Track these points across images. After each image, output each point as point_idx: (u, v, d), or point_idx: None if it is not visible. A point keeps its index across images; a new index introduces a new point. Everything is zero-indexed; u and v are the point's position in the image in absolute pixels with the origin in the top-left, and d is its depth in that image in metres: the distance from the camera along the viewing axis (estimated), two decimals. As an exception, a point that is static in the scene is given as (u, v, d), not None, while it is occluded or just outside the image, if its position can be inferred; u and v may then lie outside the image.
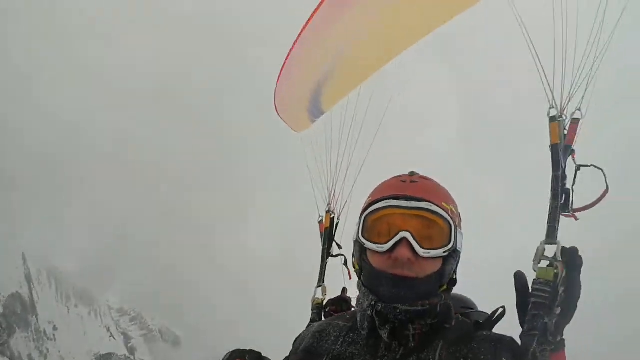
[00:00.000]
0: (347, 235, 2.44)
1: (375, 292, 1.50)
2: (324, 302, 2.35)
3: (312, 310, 2.32)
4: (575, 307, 1.47)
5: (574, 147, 1.73)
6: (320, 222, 2.50)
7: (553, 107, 1.73)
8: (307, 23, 2.48)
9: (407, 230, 1.47)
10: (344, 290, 2.37)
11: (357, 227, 1.59)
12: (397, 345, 1.48)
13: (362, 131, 2.44)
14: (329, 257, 2.41)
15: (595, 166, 1.71)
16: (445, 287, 1.56)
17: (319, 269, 2.38)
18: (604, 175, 1.70)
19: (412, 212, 1.50)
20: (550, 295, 1.46)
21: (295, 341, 1.76)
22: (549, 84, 1.75)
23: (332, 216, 2.46)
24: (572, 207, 1.69)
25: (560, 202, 1.65)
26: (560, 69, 1.75)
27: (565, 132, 1.72)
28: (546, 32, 1.86)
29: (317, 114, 2.97)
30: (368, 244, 1.53)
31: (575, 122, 1.73)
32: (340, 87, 2.78)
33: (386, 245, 1.48)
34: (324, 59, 2.70)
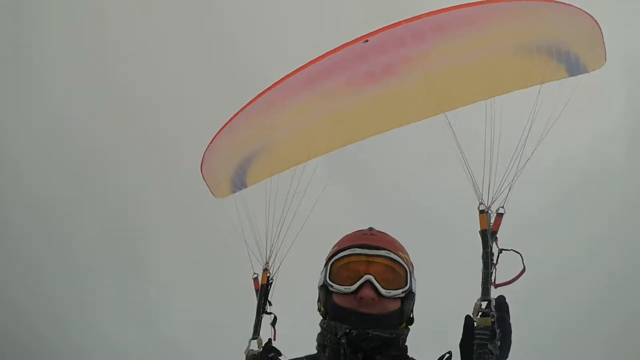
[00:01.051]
0: (277, 295, 2.59)
1: (347, 323, 1.68)
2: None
3: None
4: (510, 340, 1.73)
5: (497, 235, 2.09)
6: (255, 279, 2.61)
7: (482, 204, 2.13)
8: (254, 99, 2.60)
9: (370, 274, 1.71)
10: (270, 340, 2.40)
11: (324, 273, 1.81)
12: None
13: (304, 200, 2.65)
14: (263, 314, 2.50)
15: (514, 250, 2.06)
16: (404, 325, 1.80)
17: (254, 323, 2.47)
18: (522, 258, 2.04)
19: (374, 259, 1.75)
20: (489, 336, 1.71)
21: None
22: (478, 187, 2.17)
23: (268, 275, 2.57)
24: (494, 281, 1.99)
25: (491, 270, 1.98)
26: (486, 177, 2.19)
27: (492, 223, 2.09)
28: (476, 147, 2.28)
29: (240, 186, 2.99)
30: (336, 287, 1.74)
31: (500, 216, 2.11)
32: (269, 168, 2.84)
33: (353, 286, 1.71)
34: (260, 136, 2.78)
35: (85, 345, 9.28)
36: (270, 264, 2.60)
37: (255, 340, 2.40)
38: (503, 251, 2.06)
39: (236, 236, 2.77)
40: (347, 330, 1.67)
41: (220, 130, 2.81)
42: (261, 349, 2.34)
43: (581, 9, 2.45)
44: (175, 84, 9.73)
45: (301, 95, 2.53)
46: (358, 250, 1.77)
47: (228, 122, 2.75)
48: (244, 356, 2.37)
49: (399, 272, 1.77)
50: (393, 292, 1.73)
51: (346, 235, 1.91)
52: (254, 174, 2.90)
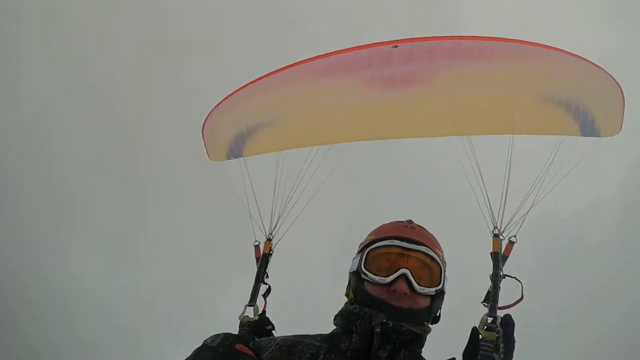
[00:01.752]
0: (273, 267, 2.58)
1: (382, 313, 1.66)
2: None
3: (242, 327, 2.27)
4: (512, 354, 1.73)
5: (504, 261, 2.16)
6: (256, 246, 2.59)
7: (496, 228, 2.21)
8: (275, 72, 2.59)
9: (406, 268, 1.71)
10: (264, 312, 2.41)
11: (359, 260, 1.79)
12: None
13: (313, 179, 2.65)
14: (262, 283, 2.48)
15: (516, 278, 2.11)
16: (430, 322, 1.81)
17: (251, 290, 2.44)
18: (522, 286, 2.10)
19: (412, 253, 1.75)
20: (493, 348, 1.72)
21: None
22: (494, 213, 2.26)
23: (270, 245, 2.56)
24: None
25: (499, 290, 2.02)
26: (503, 204, 2.28)
27: (503, 248, 2.16)
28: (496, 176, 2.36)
29: (236, 154, 2.98)
30: (370, 276, 1.73)
31: (511, 243, 2.19)
32: (270, 143, 2.84)
33: (388, 278, 1.70)
34: (268, 110, 2.78)
35: (63, 290, 9.18)
36: (274, 234, 2.59)
37: (252, 308, 2.37)
38: (506, 277, 2.11)
39: (238, 202, 2.75)
40: (384, 320, 1.66)
41: (231, 94, 2.79)
42: (256, 317, 2.32)
43: (610, 75, 2.48)
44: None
45: (319, 81, 2.53)
46: (397, 242, 1.77)
47: (241, 88, 2.74)
48: (239, 321, 2.32)
49: (434, 269, 1.78)
50: (426, 290, 1.73)
51: (384, 225, 1.90)
52: (253, 145, 2.90)
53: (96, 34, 9.65)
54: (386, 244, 1.77)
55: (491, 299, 1.99)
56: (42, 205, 9.36)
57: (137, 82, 9.31)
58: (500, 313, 1.98)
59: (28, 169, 9.42)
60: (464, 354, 1.80)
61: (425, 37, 2.35)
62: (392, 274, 1.70)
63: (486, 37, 2.39)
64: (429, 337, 1.86)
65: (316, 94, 2.60)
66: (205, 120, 3.00)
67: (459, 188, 2.46)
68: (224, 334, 1.76)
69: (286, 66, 2.54)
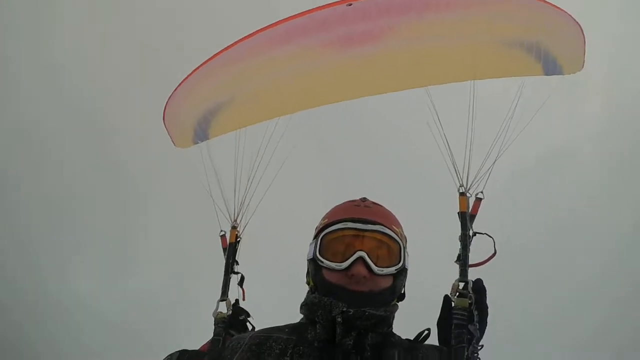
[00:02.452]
0: (245, 253, 2.50)
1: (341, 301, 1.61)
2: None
3: (217, 324, 2.18)
4: (486, 321, 1.75)
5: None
6: (222, 236, 2.51)
7: (462, 186, 2.17)
8: (228, 47, 2.50)
9: (363, 250, 1.64)
10: (237, 301, 2.34)
11: (314, 247, 1.72)
12: (355, 356, 1.58)
13: (275, 155, 2.59)
14: (232, 273, 2.40)
15: (487, 234, 2.09)
16: (395, 301, 1.78)
17: (222, 284, 2.36)
18: (494, 242, 2.07)
19: (367, 234, 1.68)
20: (467, 317, 1.73)
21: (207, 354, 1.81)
22: (457, 170, 2.22)
23: (236, 233, 2.47)
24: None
25: (469, 252, 2.01)
26: (467, 159, 2.24)
27: (470, 206, 2.13)
28: (458, 130, 2.30)
29: (202, 137, 2.89)
30: (326, 263, 1.67)
31: (478, 200, 2.16)
32: (234, 121, 2.76)
33: (344, 263, 1.64)
34: (228, 87, 2.69)
35: (63, 300, 9.07)
36: (238, 221, 2.52)
37: (224, 302, 2.30)
38: (476, 234, 2.09)
39: (203, 190, 2.68)
40: (344, 309, 1.60)
41: (187, 77, 2.69)
42: (230, 312, 2.25)
43: (567, 13, 2.48)
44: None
45: (276, 50, 2.44)
46: (350, 224, 1.70)
47: (196, 69, 2.64)
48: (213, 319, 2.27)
49: (392, 247, 1.72)
50: (386, 270, 1.68)
51: (337, 206, 1.83)
52: (218, 125, 2.81)
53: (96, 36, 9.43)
54: (339, 227, 1.71)
55: (461, 262, 1.96)
56: (40, 212, 9.23)
57: (132, 86, 9.09)
58: (474, 272, 1.99)
59: (27, 174, 9.26)
60: (437, 324, 1.81)
61: (380, -8, 2.29)
62: (348, 258, 1.64)
63: None
64: (402, 312, 1.84)
65: (273, 64, 2.52)
66: (165, 108, 2.90)
67: (426, 148, 2.42)
68: (179, 351, 1.79)
69: (239, 39, 2.45)
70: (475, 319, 1.73)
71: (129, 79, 9.10)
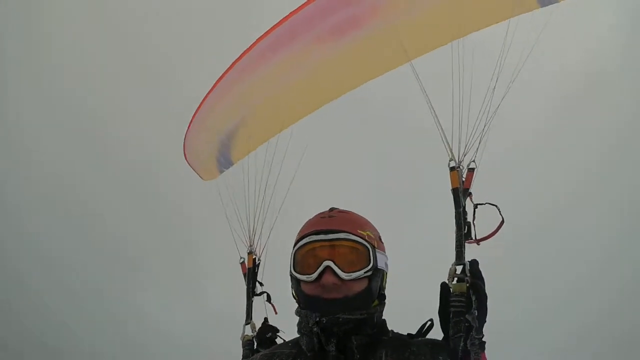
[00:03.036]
0: (268, 273, 2.60)
1: (316, 311, 1.69)
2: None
3: (244, 347, 2.36)
4: (485, 306, 1.70)
5: (472, 190, 2.03)
6: (242, 263, 2.61)
7: (452, 160, 2.05)
8: (225, 72, 2.53)
9: (329, 259, 1.69)
10: (266, 319, 2.43)
11: (290, 263, 1.79)
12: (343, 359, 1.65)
13: (280, 176, 2.60)
14: (254, 296, 2.50)
15: (490, 203, 2.00)
16: (377, 303, 1.79)
17: (245, 308, 2.48)
18: (498, 209, 1.98)
19: (332, 242, 1.72)
20: (465, 303, 1.71)
21: None
22: (448, 142, 2.08)
23: (254, 257, 2.58)
24: (475, 237, 1.96)
25: (464, 231, 1.93)
26: (457, 129, 2.10)
27: (464, 179, 2.03)
28: (444, 97, 2.18)
29: (226, 164, 2.94)
30: (299, 276, 1.74)
31: (471, 171, 2.04)
32: (252, 140, 2.79)
33: (313, 275, 1.69)
34: (236, 110, 2.72)
35: (130, 325, 9.55)
36: (254, 245, 2.58)
37: (249, 325, 2.41)
38: (479, 206, 2.00)
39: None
40: (317, 319, 1.66)
41: (196, 111, 2.75)
42: (255, 333, 2.36)
43: None
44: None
45: (271, 60, 2.46)
46: (315, 237, 1.74)
47: (203, 100, 2.69)
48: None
49: (361, 251, 1.73)
50: (354, 274, 1.69)
51: (307, 221, 1.88)
52: (238, 149, 2.86)
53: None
54: (306, 241, 1.75)
55: (456, 243, 1.90)
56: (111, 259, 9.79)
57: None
58: (483, 245, 1.93)
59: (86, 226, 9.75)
60: (438, 313, 1.77)
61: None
62: (317, 270, 1.69)
63: None
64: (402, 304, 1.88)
65: (273, 74, 2.54)
66: (184, 148, 2.96)
67: (421, 122, 2.33)
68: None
69: (235, 60, 2.48)
70: (474, 305, 1.69)
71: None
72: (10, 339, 8.89)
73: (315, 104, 2.66)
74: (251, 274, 2.51)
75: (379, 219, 1.94)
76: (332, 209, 1.87)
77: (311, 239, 1.74)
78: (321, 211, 1.88)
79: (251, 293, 2.49)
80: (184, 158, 3.06)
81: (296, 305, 1.83)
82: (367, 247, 1.73)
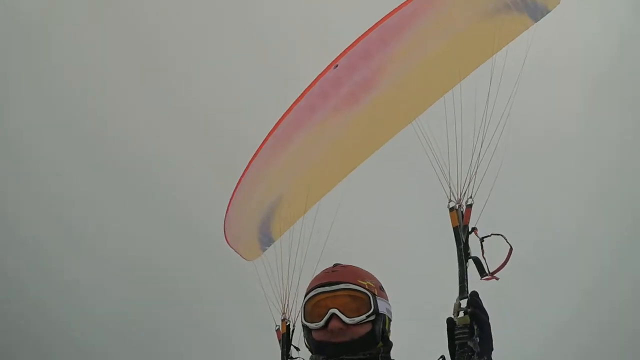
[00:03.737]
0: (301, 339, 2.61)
1: (324, 355, 1.89)
2: None
3: None
4: (488, 333, 1.82)
5: (476, 225, 2.09)
6: (277, 330, 2.74)
7: (451, 200, 2.15)
8: (255, 155, 2.66)
9: (334, 307, 1.90)
10: None
11: (300, 314, 2.02)
12: None
13: (311, 247, 2.71)
14: (289, 359, 2.62)
15: (494, 234, 2.06)
16: (381, 344, 1.94)
17: None
18: (505, 238, 2.04)
19: (335, 293, 1.94)
20: (468, 333, 1.81)
21: None
22: (446, 183, 2.18)
23: (287, 323, 2.71)
24: (488, 270, 2.01)
25: (466, 266, 2.02)
26: (454, 170, 2.18)
27: (462, 217, 2.11)
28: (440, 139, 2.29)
29: (268, 242, 3.02)
30: (309, 325, 1.95)
31: (469, 207, 2.12)
32: (290, 217, 2.87)
33: (321, 322, 1.90)
34: (271, 190, 2.83)
35: None
36: (288, 312, 2.72)
37: None
38: (485, 239, 2.06)
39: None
40: (322, 359, 1.89)
41: (232, 197, 2.86)
42: None
43: None
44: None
45: (296, 138, 2.59)
46: (320, 290, 1.97)
47: (237, 186, 2.80)
48: None
49: (361, 298, 1.93)
50: (357, 319, 1.89)
51: (314, 277, 2.10)
52: (277, 227, 2.94)
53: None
54: (313, 294, 1.98)
55: (459, 279, 2.01)
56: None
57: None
58: (498, 274, 1.99)
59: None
60: (449, 348, 1.88)
61: (354, 42, 2.41)
62: (323, 317, 1.90)
63: (398, 6, 2.40)
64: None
65: (300, 151, 2.66)
66: (225, 232, 3.05)
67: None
68: None
69: (260, 144, 2.61)
70: (476, 333, 1.80)
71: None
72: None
73: (344, 170, 2.77)
74: (285, 340, 2.66)
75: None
76: (335, 265, 2.10)
77: (317, 292, 1.96)
78: (326, 267, 2.11)
79: (286, 356, 2.62)
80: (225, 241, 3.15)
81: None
82: (367, 294, 1.94)
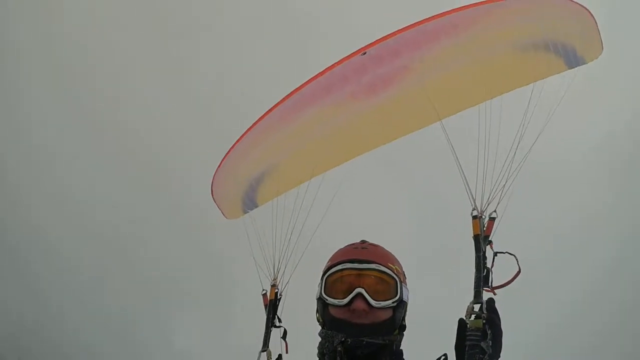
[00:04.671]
0: (286, 311, 2.66)
1: (342, 333, 1.77)
2: None
3: None
4: (500, 342, 1.83)
5: (492, 238, 2.14)
6: (264, 294, 2.70)
7: (475, 209, 2.18)
8: (260, 118, 2.64)
9: (361, 287, 1.79)
10: (280, 356, 2.50)
11: (320, 287, 1.89)
12: None
13: (312, 210, 2.69)
14: (272, 327, 2.59)
15: (509, 252, 2.10)
16: (397, 332, 1.87)
17: (263, 336, 2.56)
18: (516, 260, 2.07)
19: (364, 272, 1.83)
20: (480, 336, 1.81)
21: None
22: (471, 193, 2.21)
23: (276, 290, 2.67)
24: (491, 284, 2.06)
25: (483, 274, 2.05)
26: (481, 181, 2.23)
27: (485, 227, 2.15)
28: (470, 154, 2.32)
29: (251, 205, 3.02)
30: (330, 300, 1.83)
31: (492, 220, 2.16)
32: (278, 186, 2.87)
33: (345, 299, 1.79)
34: (268, 156, 2.82)
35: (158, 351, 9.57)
36: (278, 279, 2.68)
37: (265, 353, 2.50)
38: (498, 254, 2.11)
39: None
40: (343, 339, 1.76)
41: (228, 152, 2.84)
42: None
43: (572, 1, 2.47)
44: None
45: (306, 111, 2.56)
46: (349, 265, 1.85)
47: (235, 143, 2.79)
48: None
49: (389, 283, 1.85)
50: (383, 303, 1.80)
51: (339, 250, 1.99)
52: (263, 193, 2.93)
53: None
54: (339, 268, 1.86)
55: (475, 284, 2.03)
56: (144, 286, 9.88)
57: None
58: (498, 291, 2.03)
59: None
60: (455, 347, 1.88)
61: (388, 34, 2.39)
62: (348, 295, 1.79)
63: (441, 13, 2.39)
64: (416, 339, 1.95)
65: (307, 125, 2.64)
66: (212, 186, 3.05)
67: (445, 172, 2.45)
68: None
69: (270, 108, 2.59)
70: (489, 337, 1.80)
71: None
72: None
73: (345, 156, 2.75)
74: (272, 306, 2.61)
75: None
76: (363, 241, 1.99)
77: (344, 266, 1.85)
78: (352, 242, 1.99)
79: (270, 323, 2.58)
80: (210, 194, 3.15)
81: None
82: (395, 279, 1.86)
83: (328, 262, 1.97)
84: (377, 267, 1.84)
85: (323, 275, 1.92)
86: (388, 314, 1.82)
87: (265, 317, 2.61)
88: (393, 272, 1.86)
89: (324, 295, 1.85)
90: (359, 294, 1.78)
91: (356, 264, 1.84)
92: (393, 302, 1.82)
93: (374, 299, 1.78)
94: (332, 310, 1.83)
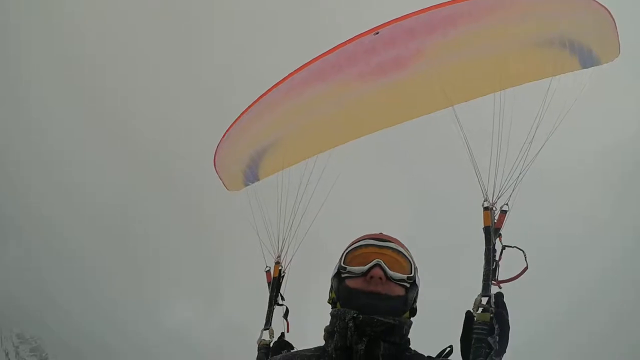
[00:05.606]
0: (288, 289, 2.70)
1: (355, 308, 1.80)
2: (271, 344, 2.53)
3: (259, 350, 2.49)
4: (507, 337, 1.84)
5: (502, 231, 2.15)
6: (267, 271, 2.72)
7: (486, 200, 2.18)
8: (266, 92, 2.62)
9: (379, 259, 1.85)
10: (282, 334, 2.52)
11: (339, 262, 1.94)
12: None
13: (316, 193, 2.70)
14: (275, 304, 2.62)
15: (517, 247, 2.10)
16: (407, 315, 1.91)
17: (266, 314, 2.59)
18: (524, 255, 2.08)
19: (383, 250, 1.91)
20: (488, 331, 1.84)
21: None
22: (483, 184, 2.21)
23: (280, 268, 2.69)
24: (497, 277, 2.07)
25: (492, 267, 2.06)
26: (493, 173, 2.22)
27: (495, 219, 2.16)
28: (483, 146, 2.29)
29: (252, 179, 3.02)
30: (349, 268, 1.88)
31: (503, 213, 2.16)
32: (281, 161, 2.86)
33: (364, 267, 1.84)
34: (272, 130, 2.81)
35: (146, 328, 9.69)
36: (282, 257, 2.69)
37: (267, 331, 2.54)
38: (506, 248, 2.11)
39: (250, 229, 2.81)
40: (355, 315, 1.78)
41: (232, 124, 2.84)
42: (272, 339, 2.49)
43: (595, 1, 2.43)
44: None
45: (313, 88, 2.55)
46: (370, 242, 1.93)
47: (240, 115, 2.78)
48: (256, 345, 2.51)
49: (404, 263, 1.91)
50: (398, 275, 1.86)
51: (356, 237, 2.04)
52: (266, 167, 2.94)
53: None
54: (361, 244, 1.94)
55: (483, 277, 2.04)
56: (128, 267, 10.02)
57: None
58: (504, 286, 2.03)
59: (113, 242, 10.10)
60: (460, 340, 1.90)
61: (403, 16, 2.35)
62: (368, 264, 1.86)
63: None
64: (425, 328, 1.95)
65: (312, 102, 2.62)
66: (214, 156, 3.05)
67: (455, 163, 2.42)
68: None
69: (277, 82, 2.57)
70: (496, 331, 1.81)
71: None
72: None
73: (350, 136, 2.74)
74: (275, 283, 2.64)
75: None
76: (380, 233, 2.05)
77: (366, 242, 1.93)
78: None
79: (273, 300, 2.61)
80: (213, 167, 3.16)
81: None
82: (410, 262, 1.93)
83: (348, 246, 2.01)
84: (396, 247, 1.92)
85: (343, 252, 1.97)
86: (401, 290, 1.86)
87: (267, 296, 2.60)
88: (408, 255, 1.94)
89: (343, 265, 1.91)
90: (377, 264, 1.84)
91: (376, 242, 1.93)
92: (408, 278, 1.88)
93: (390, 270, 1.84)
94: (348, 282, 1.87)
